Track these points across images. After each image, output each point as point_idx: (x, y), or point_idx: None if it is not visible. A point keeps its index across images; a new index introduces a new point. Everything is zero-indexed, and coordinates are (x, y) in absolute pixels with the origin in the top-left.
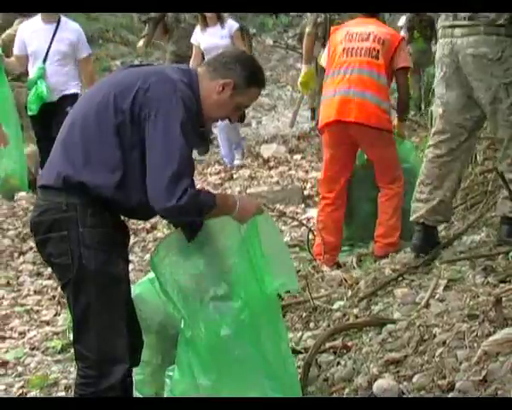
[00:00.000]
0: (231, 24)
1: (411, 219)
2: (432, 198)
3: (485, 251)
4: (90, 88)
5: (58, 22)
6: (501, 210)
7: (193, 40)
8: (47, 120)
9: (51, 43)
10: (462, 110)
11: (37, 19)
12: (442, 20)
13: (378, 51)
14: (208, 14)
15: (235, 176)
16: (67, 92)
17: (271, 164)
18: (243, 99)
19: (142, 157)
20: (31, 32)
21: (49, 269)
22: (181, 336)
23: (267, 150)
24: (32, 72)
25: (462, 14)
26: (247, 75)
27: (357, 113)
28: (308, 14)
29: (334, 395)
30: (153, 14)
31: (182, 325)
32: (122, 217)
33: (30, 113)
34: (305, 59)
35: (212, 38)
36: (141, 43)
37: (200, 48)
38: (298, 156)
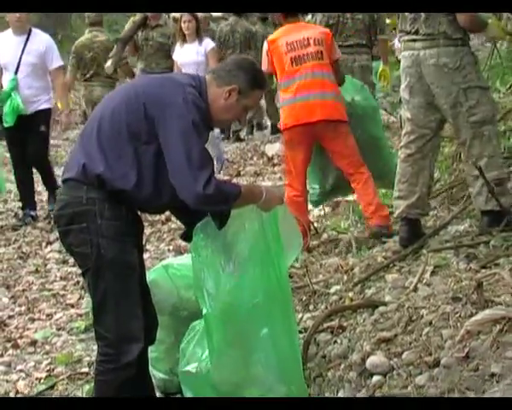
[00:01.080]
0: (208, 42)
1: (395, 215)
2: (410, 195)
3: (468, 240)
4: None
5: (28, 34)
6: (477, 204)
7: (174, 56)
8: (22, 134)
9: (22, 54)
10: (426, 114)
11: (9, 31)
12: (403, 35)
13: (321, 52)
14: (187, 32)
15: (242, 173)
16: (40, 107)
17: (275, 161)
18: (248, 101)
19: (155, 154)
20: (2, 44)
21: None
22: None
23: (271, 149)
24: (5, 84)
25: (422, 30)
26: (250, 80)
27: (320, 112)
28: (318, 15)
29: (331, 371)
30: (121, 35)
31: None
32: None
33: (6, 125)
34: None
35: (189, 53)
36: (109, 63)
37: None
38: None
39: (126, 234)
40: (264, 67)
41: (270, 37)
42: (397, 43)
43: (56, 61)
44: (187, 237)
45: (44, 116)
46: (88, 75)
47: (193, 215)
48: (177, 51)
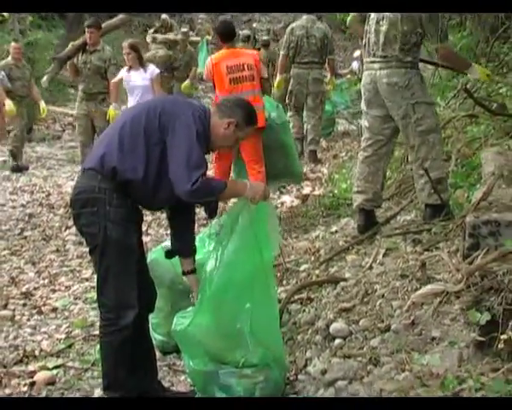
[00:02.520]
0: (153, 69)
1: (353, 207)
2: (367, 190)
3: (414, 228)
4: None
5: None
6: (421, 198)
7: (118, 78)
8: None
9: None
10: (381, 123)
11: None
12: (365, 57)
13: (253, 75)
14: (130, 62)
15: None
16: None
17: None
18: (242, 134)
19: (160, 154)
20: None
21: None
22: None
23: None
24: None
25: (379, 53)
26: (246, 117)
27: None
28: (283, 39)
29: (300, 335)
30: (59, 55)
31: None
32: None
33: None
34: (280, 71)
35: (135, 78)
36: (45, 78)
37: (118, 84)
38: None
39: (129, 220)
40: (206, 76)
41: (214, 60)
42: (354, 65)
43: None
44: (168, 254)
45: None
46: None
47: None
48: (125, 76)
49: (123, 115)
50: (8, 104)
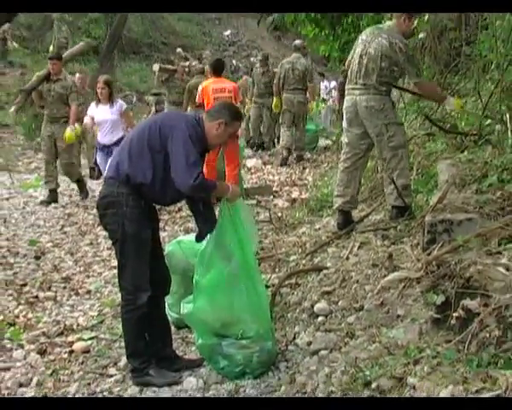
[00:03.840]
0: (121, 103)
1: (334, 208)
2: (345, 194)
3: (383, 226)
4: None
5: None
6: (389, 200)
7: (89, 112)
8: None
9: None
10: (359, 139)
11: None
12: (347, 84)
13: (231, 97)
14: (101, 96)
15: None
16: None
17: (252, 171)
18: (232, 129)
19: (164, 159)
20: None
21: None
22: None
23: (250, 162)
24: None
25: (360, 82)
26: (232, 114)
27: None
28: (277, 70)
29: (290, 313)
30: (25, 87)
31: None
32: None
33: None
34: (275, 94)
35: (103, 113)
36: (12, 108)
37: (77, 110)
38: (268, 166)
39: (143, 218)
40: (198, 100)
41: (203, 84)
42: (322, 88)
43: None
44: (198, 238)
45: None
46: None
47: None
48: (93, 109)
49: (131, 132)
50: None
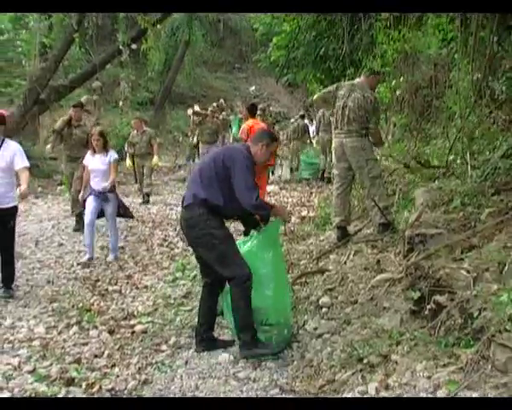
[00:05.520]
0: (111, 154)
1: (333, 225)
2: (341, 214)
3: (372, 238)
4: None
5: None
6: (374, 221)
7: (85, 161)
8: None
9: None
10: (346, 171)
11: None
12: (335, 130)
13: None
14: (97, 148)
15: None
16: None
17: (271, 194)
18: (272, 149)
19: (229, 186)
20: None
21: (167, 242)
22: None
23: (269, 188)
24: None
25: (345, 128)
26: (270, 137)
27: None
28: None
29: (300, 306)
30: (56, 128)
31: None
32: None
33: None
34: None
35: (97, 162)
36: (48, 146)
37: (87, 167)
38: (284, 191)
39: (220, 227)
40: (242, 135)
41: (249, 124)
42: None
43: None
44: (245, 234)
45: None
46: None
47: (248, 225)
48: (89, 159)
49: (198, 165)
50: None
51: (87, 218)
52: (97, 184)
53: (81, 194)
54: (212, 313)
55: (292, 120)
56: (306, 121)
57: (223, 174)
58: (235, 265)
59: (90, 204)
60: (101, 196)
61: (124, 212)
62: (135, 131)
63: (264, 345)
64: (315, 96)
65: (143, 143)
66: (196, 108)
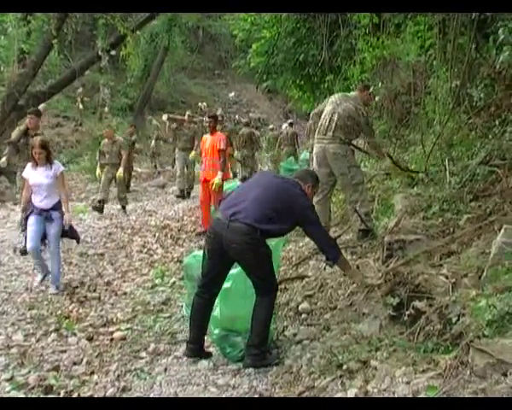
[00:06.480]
0: (57, 166)
1: None
2: (321, 220)
3: (352, 244)
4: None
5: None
6: (354, 226)
7: (24, 174)
8: None
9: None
10: (327, 177)
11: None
12: (317, 134)
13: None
14: (39, 161)
15: None
16: None
17: None
18: (315, 189)
19: (290, 221)
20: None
21: (146, 249)
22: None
23: None
24: None
25: (329, 134)
26: (314, 179)
27: (212, 175)
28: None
29: (280, 312)
30: (12, 140)
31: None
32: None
33: None
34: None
35: (39, 176)
36: (3, 159)
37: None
38: None
39: (266, 245)
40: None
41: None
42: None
43: None
44: None
45: None
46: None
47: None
48: (29, 171)
49: (250, 186)
50: None
51: (29, 244)
52: (40, 201)
53: (21, 214)
54: (206, 325)
55: (282, 128)
56: (296, 129)
57: (286, 213)
58: (274, 280)
59: (32, 227)
60: (44, 213)
61: (71, 233)
62: (106, 140)
63: (272, 355)
64: (312, 112)
65: (113, 153)
66: (164, 117)
